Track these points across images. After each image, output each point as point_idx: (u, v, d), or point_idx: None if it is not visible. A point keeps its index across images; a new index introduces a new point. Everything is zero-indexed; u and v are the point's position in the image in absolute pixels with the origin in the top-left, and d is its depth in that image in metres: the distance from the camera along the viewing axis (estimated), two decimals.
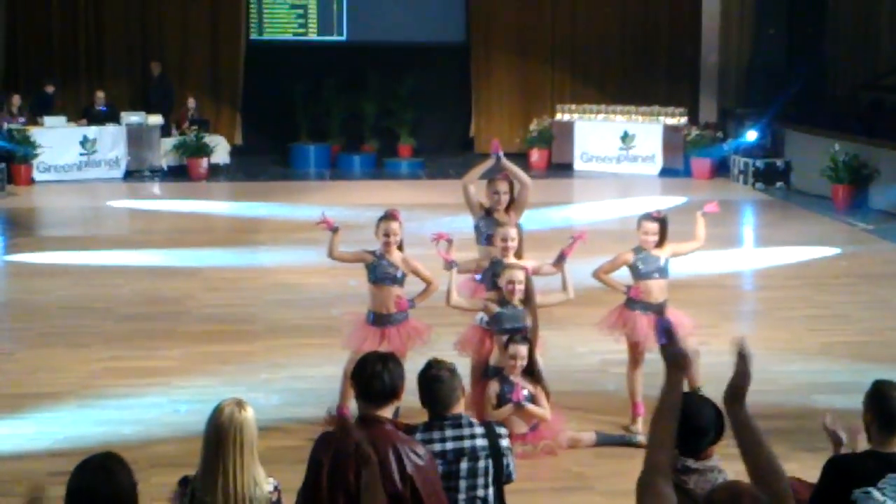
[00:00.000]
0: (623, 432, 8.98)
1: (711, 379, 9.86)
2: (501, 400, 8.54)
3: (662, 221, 9.08)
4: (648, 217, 9.13)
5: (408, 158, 25.03)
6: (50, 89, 23.33)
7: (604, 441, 8.79)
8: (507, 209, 9.54)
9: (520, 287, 8.58)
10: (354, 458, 4.72)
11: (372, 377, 5.09)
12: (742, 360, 4.07)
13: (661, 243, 9.05)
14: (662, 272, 9.02)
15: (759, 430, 4.12)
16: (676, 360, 4.12)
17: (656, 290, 9.01)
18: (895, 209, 18.72)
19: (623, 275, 9.35)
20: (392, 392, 5.10)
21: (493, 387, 8.59)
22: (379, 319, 8.90)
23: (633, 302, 9.06)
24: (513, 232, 8.96)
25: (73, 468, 4.44)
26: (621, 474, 7.82)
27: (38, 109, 22.77)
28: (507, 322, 8.64)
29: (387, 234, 8.83)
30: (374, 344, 8.66)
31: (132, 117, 22.97)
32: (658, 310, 8.98)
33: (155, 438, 8.78)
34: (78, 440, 8.74)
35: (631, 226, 9.43)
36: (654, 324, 4.23)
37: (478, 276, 9.21)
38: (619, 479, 7.90)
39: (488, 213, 9.55)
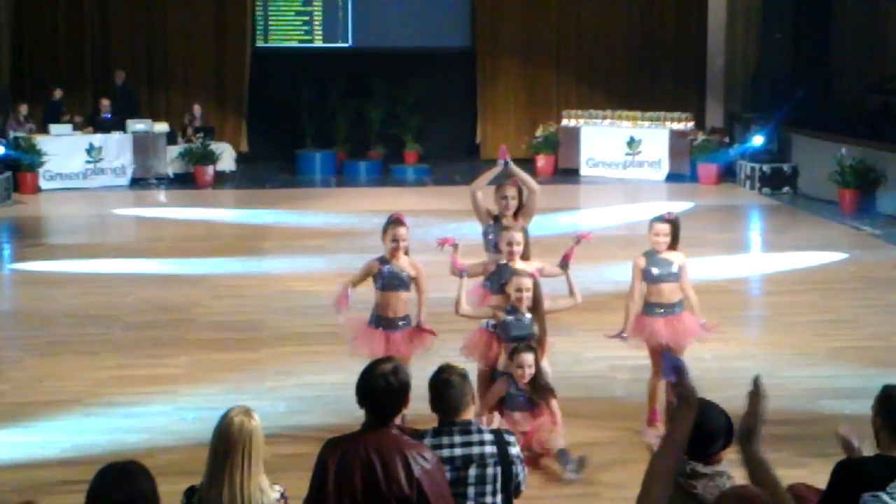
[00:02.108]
0: (639, 436, 8.94)
1: (721, 385, 9.86)
2: (506, 401, 8.52)
3: (674, 223, 9.03)
4: (660, 219, 9.09)
5: (414, 165, 25.04)
6: (58, 94, 23.38)
7: (561, 457, 8.59)
8: (516, 215, 9.47)
9: (528, 295, 8.55)
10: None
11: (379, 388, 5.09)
12: (755, 399, 4.02)
13: (673, 246, 9.00)
14: (675, 276, 8.98)
15: (773, 473, 4.08)
16: (686, 398, 4.08)
17: (668, 292, 8.97)
18: None
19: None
20: (398, 402, 5.10)
21: (502, 386, 8.53)
22: (383, 323, 8.87)
23: (648, 306, 9.02)
24: (518, 236, 8.92)
25: (95, 474, 4.40)
26: (629, 482, 7.78)
27: (48, 116, 22.82)
28: (516, 330, 8.61)
29: (395, 240, 8.80)
30: (380, 347, 8.65)
31: (138, 125, 22.99)
32: (673, 310, 8.95)
33: (161, 446, 8.76)
34: (85, 448, 8.74)
35: (638, 231, 9.40)
36: (663, 361, 4.22)
37: (486, 283, 9.17)
38: (626, 487, 7.87)
39: (496, 219, 9.48)
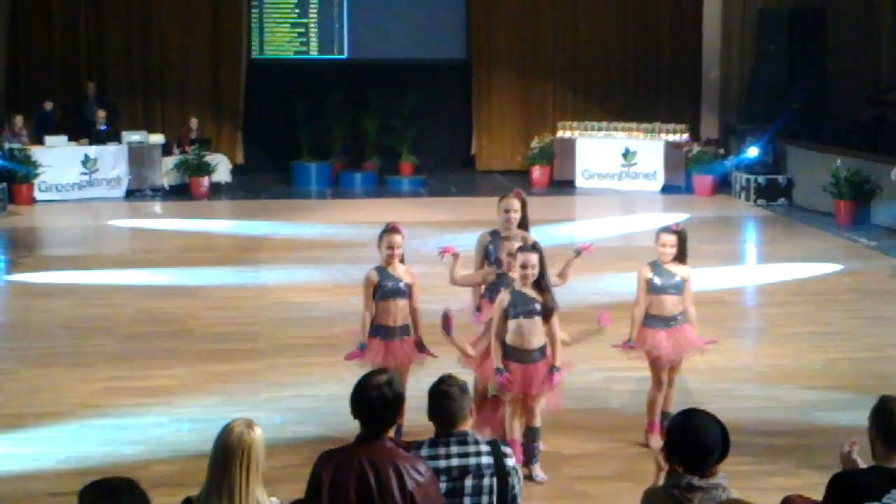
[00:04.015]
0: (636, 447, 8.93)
1: (716, 396, 9.87)
2: (510, 315, 8.24)
3: (680, 234, 9.02)
4: (666, 230, 9.07)
5: (409, 176, 25.04)
6: (48, 106, 23.40)
7: (530, 441, 8.56)
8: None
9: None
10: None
11: (373, 399, 5.10)
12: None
13: (679, 258, 8.99)
14: (678, 288, 8.97)
15: None
16: None
17: (670, 304, 8.95)
18: None
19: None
20: (393, 414, 5.11)
21: (504, 298, 8.26)
22: (383, 332, 8.86)
23: (650, 318, 9.00)
24: (516, 204, 8.95)
25: (83, 488, 4.38)
26: (624, 492, 7.79)
27: (41, 128, 22.82)
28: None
29: (390, 247, 8.78)
30: (379, 357, 8.66)
31: (133, 136, 23.00)
32: (674, 322, 8.94)
33: (157, 458, 8.76)
34: (80, 460, 8.73)
35: (634, 242, 9.39)
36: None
37: (486, 293, 9.10)
38: (621, 497, 7.88)
39: (494, 233, 9.40)
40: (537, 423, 8.45)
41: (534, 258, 8.22)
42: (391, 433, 5.15)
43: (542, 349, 8.32)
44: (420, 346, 8.93)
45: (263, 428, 4.99)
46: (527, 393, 8.35)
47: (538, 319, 8.26)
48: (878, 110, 22.52)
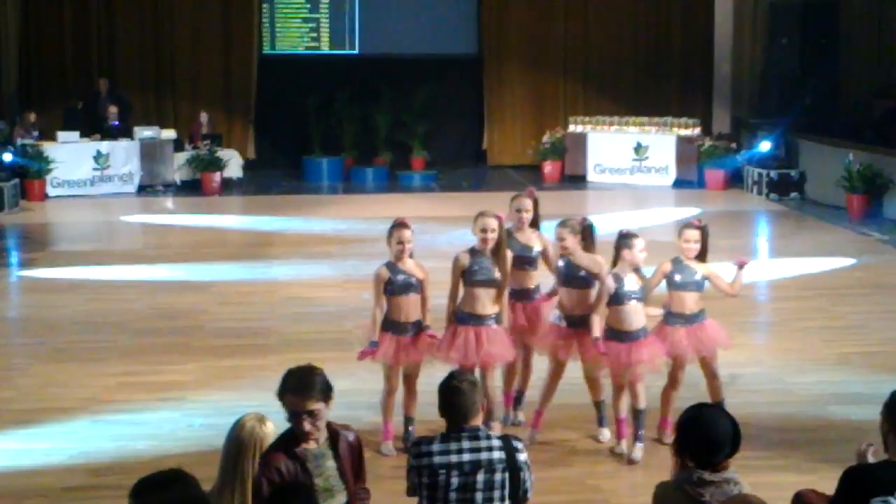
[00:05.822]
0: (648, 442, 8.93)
1: (728, 391, 9.84)
2: (618, 300, 8.61)
3: (703, 230, 9.03)
4: (689, 225, 9.08)
5: (421, 171, 25.04)
6: (79, 105, 23.46)
7: (636, 424, 8.76)
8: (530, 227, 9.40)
9: (492, 236, 8.67)
10: None
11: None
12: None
13: (701, 256, 8.97)
14: (698, 286, 8.95)
15: None
16: None
17: (690, 301, 8.93)
18: None
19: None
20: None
21: (612, 284, 8.60)
22: (395, 327, 8.84)
23: (671, 316, 8.97)
24: (528, 203, 9.21)
25: (133, 487, 4.29)
26: (638, 487, 7.78)
27: (68, 127, 22.76)
28: (479, 275, 8.76)
29: (400, 242, 8.76)
30: (391, 352, 8.66)
31: (145, 132, 23.03)
32: (694, 320, 8.93)
33: (169, 453, 8.75)
34: (92, 455, 8.74)
35: (645, 237, 9.32)
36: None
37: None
38: (635, 492, 7.87)
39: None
40: (642, 404, 8.69)
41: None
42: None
43: (644, 329, 8.70)
44: (424, 329, 8.88)
45: (275, 423, 4.99)
46: (632, 369, 8.62)
47: (639, 303, 8.66)
48: (891, 104, 22.45)
